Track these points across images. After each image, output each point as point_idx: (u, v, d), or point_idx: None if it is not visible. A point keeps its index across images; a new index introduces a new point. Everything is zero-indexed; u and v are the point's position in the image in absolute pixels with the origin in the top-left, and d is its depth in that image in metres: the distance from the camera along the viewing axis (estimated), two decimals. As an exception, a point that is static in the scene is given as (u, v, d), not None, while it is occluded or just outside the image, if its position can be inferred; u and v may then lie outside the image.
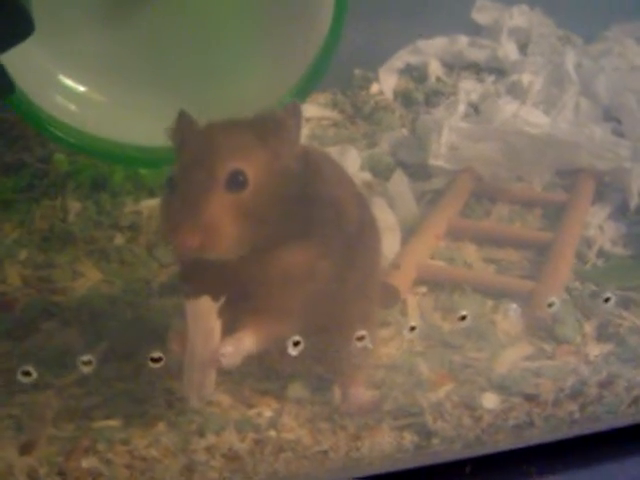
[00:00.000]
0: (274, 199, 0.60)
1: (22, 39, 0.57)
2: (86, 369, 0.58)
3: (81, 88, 0.96)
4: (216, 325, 0.59)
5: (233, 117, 0.64)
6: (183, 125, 0.63)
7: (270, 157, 0.61)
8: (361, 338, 0.62)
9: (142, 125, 0.96)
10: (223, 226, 0.58)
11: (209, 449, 0.62)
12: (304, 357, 0.61)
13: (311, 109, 1.13)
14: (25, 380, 0.57)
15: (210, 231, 0.58)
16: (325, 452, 0.63)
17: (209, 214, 0.58)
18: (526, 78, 1.15)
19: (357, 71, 1.23)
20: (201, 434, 0.64)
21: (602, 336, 0.77)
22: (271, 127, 0.61)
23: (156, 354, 0.58)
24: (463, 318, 0.65)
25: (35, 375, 0.57)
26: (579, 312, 0.79)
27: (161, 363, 0.59)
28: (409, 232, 0.90)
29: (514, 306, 0.72)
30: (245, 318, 0.61)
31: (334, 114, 1.16)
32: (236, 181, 0.59)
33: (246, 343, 0.60)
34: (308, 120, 1.14)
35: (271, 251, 0.61)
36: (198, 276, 0.62)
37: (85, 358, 0.57)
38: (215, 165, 0.59)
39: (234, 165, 0.59)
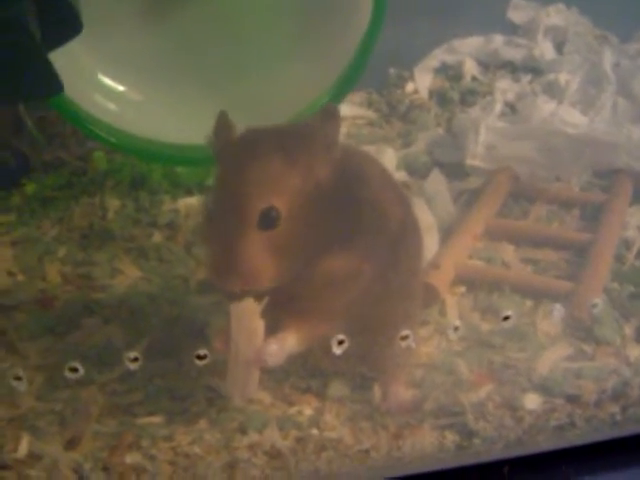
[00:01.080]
0: (310, 220, 0.59)
1: (71, 38, 0.58)
2: (132, 366, 0.59)
3: (120, 87, 0.97)
4: (259, 325, 0.60)
5: (268, 125, 0.63)
6: (221, 131, 0.63)
7: (303, 178, 0.60)
8: (405, 337, 0.62)
9: (179, 124, 0.97)
10: (260, 264, 0.58)
11: (251, 447, 0.63)
12: (348, 356, 0.61)
13: (346, 108, 1.13)
14: (72, 376, 0.58)
15: (248, 273, 0.58)
16: (366, 451, 0.63)
17: (244, 258, 0.58)
18: (563, 77, 1.15)
19: (392, 70, 1.23)
20: (243, 432, 0.64)
21: (642, 337, 0.76)
22: (306, 138, 0.61)
23: (202, 351, 0.58)
24: (506, 319, 0.65)
25: (82, 371, 0.58)
26: (618, 313, 0.79)
27: (206, 360, 0.59)
28: (446, 232, 0.90)
29: (558, 306, 0.71)
30: (288, 318, 0.62)
31: (369, 113, 1.16)
32: (269, 219, 0.58)
33: (289, 343, 0.61)
34: (343, 119, 1.13)
35: (315, 257, 0.61)
36: None
37: (132, 355, 0.58)
38: (246, 204, 0.58)
39: (265, 203, 0.58)
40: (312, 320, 0.61)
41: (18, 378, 0.59)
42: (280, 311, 0.61)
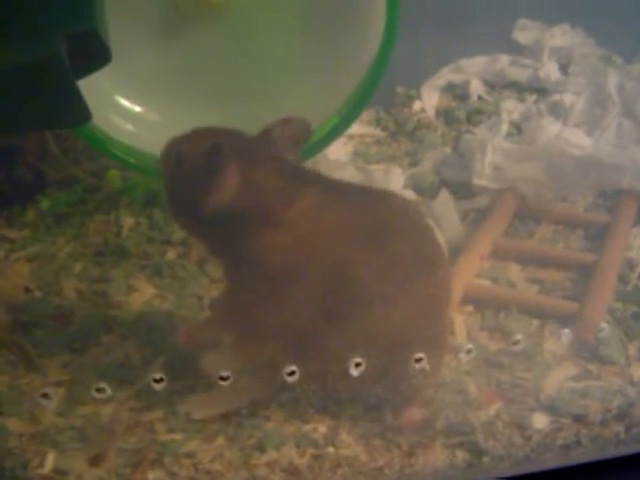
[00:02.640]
0: None
1: (99, 68, 0.61)
2: (157, 386, 0.61)
3: (137, 108, 0.99)
4: None
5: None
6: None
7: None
8: (419, 360, 0.64)
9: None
10: None
11: (270, 464, 0.64)
12: (364, 378, 0.63)
13: (354, 126, 1.14)
14: (99, 396, 0.60)
15: None
16: (380, 468, 0.65)
17: None
18: (568, 98, 1.17)
19: (399, 89, 1.24)
20: (262, 449, 0.66)
21: (646, 358, 0.78)
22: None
23: (225, 373, 0.60)
24: (516, 343, 0.67)
25: (109, 391, 0.60)
26: (622, 333, 0.81)
27: (229, 382, 0.61)
28: (454, 251, 0.91)
29: (566, 331, 0.73)
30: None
31: (377, 131, 1.18)
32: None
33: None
34: (351, 137, 1.16)
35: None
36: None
37: (157, 376, 0.60)
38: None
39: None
40: (268, 329, 0.66)
41: (45, 395, 0.61)
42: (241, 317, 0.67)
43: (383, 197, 0.72)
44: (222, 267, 0.72)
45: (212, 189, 0.66)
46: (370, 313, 0.65)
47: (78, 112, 0.58)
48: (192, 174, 0.67)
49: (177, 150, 0.68)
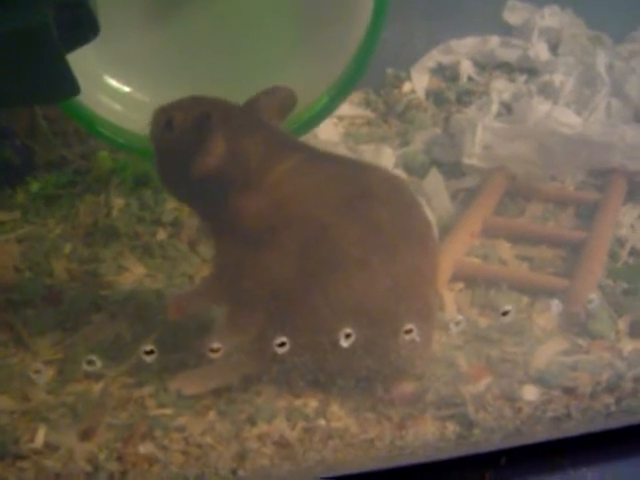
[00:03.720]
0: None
1: (88, 41, 0.61)
2: (148, 358, 0.61)
3: (126, 88, 0.99)
4: None
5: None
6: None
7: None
8: (409, 331, 0.64)
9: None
10: None
11: (260, 437, 0.65)
12: (354, 350, 0.64)
13: (344, 108, 1.14)
14: (89, 368, 0.60)
15: None
16: (371, 440, 0.65)
17: None
18: (557, 78, 1.17)
19: (389, 70, 1.24)
20: (252, 422, 0.66)
21: (635, 332, 0.78)
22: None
23: (216, 345, 0.60)
24: (505, 314, 0.67)
25: (99, 364, 0.60)
26: (612, 309, 0.81)
27: (220, 353, 0.61)
28: (444, 230, 0.92)
29: (556, 302, 0.74)
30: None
31: (367, 113, 1.18)
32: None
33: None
34: (341, 118, 1.16)
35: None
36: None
37: (147, 347, 0.60)
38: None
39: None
40: (256, 302, 0.67)
41: (37, 371, 0.61)
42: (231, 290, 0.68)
43: (367, 168, 0.74)
44: (211, 236, 0.72)
45: (199, 155, 0.67)
46: (351, 280, 0.66)
47: (66, 84, 0.58)
48: (180, 140, 0.69)
49: (166, 117, 0.69)
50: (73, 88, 0.58)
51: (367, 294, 0.66)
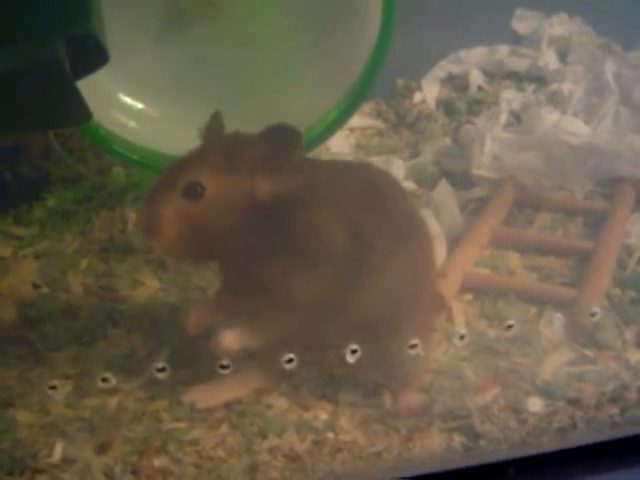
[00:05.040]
0: (231, 216, 0.66)
1: (97, 68, 0.62)
2: (160, 375, 0.62)
3: (139, 105, 1.00)
4: None
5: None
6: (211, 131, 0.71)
7: (237, 179, 0.66)
8: (414, 346, 0.66)
9: (195, 139, 1.00)
10: (170, 225, 0.66)
11: (271, 450, 0.66)
12: (361, 364, 0.65)
13: (355, 119, 1.15)
14: (104, 386, 0.62)
15: (157, 226, 0.66)
16: (379, 453, 0.66)
17: (160, 211, 0.66)
18: (566, 87, 1.18)
19: (400, 81, 1.26)
20: (263, 436, 0.68)
21: (642, 342, 0.79)
22: (244, 152, 0.67)
23: (225, 362, 0.62)
24: (510, 327, 0.68)
25: (114, 381, 0.61)
26: (619, 318, 0.82)
27: (229, 370, 0.63)
28: (454, 241, 0.93)
29: (558, 315, 0.75)
30: (246, 315, 0.69)
31: (378, 123, 1.19)
32: (191, 191, 0.66)
33: (242, 337, 0.67)
34: (353, 130, 1.17)
35: (252, 262, 0.67)
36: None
37: (159, 365, 0.62)
38: (178, 175, 0.67)
39: (193, 177, 0.66)
40: (264, 319, 0.67)
41: (53, 387, 0.63)
42: (238, 307, 0.68)
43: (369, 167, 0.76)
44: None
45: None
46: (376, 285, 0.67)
47: (78, 112, 0.60)
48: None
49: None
50: (85, 114, 0.60)
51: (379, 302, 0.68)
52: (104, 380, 0.62)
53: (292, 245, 0.67)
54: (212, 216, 0.66)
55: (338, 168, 0.75)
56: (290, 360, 0.63)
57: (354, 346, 0.64)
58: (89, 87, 0.93)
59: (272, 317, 0.67)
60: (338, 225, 0.68)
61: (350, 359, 0.64)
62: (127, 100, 1.00)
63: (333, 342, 0.67)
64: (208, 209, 0.66)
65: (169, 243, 0.67)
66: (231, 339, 0.67)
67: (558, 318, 0.74)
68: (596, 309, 0.73)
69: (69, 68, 0.57)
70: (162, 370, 0.63)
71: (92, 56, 0.60)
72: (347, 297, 0.67)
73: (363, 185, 0.71)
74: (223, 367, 0.63)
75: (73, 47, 0.58)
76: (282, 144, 0.66)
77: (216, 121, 0.71)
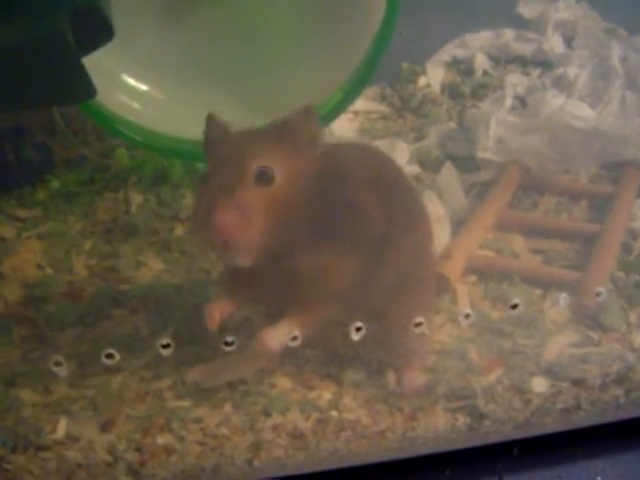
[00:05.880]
0: (299, 197, 0.64)
1: (103, 44, 0.62)
2: (165, 352, 0.62)
3: (143, 87, 1.00)
4: None
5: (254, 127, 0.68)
6: (212, 129, 0.68)
7: (291, 158, 0.64)
8: (419, 324, 0.66)
9: (199, 121, 1.00)
10: (250, 217, 0.62)
11: (275, 428, 0.66)
12: (365, 342, 0.65)
13: (360, 103, 1.15)
14: (109, 362, 0.62)
15: (241, 217, 0.61)
16: (383, 432, 0.66)
17: (241, 201, 0.62)
18: (572, 71, 1.17)
19: (405, 65, 1.25)
20: (267, 414, 0.68)
21: (647, 324, 0.79)
22: (285, 132, 0.65)
23: (229, 338, 0.62)
24: (515, 307, 0.68)
25: (118, 357, 0.61)
26: (624, 301, 0.82)
27: (234, 346, 0.63)
28: (458, 223, 0.93)
29: (564, 295, 0.75)
30: (285, 306, 0.66)
31: (383, 107, 1.19)
32: (264, 176, 0.63)
33: (285, 330, 0.65)
34: (357, 114, 1.17)
35: (298, 248, 0.65)
36: (240, 277, 0.66)
37: (164, 341, 0.62)
38: (245, 162, 0.63)
39: (261, 162, 0.63)
40: (307, 306, 0.66)
41: (58, 364, 0.63)
42: (277, 299, 0.66)
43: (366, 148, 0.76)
44: None
45: None
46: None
47: (83, 87, 0.59)
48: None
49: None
50: (89, 91, 0.60)
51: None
52: (108, 356, 0.61)
53: (339, 227, 0.66)
54: (284, 201, 0.63)
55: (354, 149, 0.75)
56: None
57: (359, 324, 0.64)
58: (93, 68, 0.92)
59: (318, 305, 0.66)
60: (373, 203, 0.67)
61: (355, 337, 0.64)
62: (131, 81, 1.00)
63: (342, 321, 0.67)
64: (280, 194, 0.63)
65: (252, 237, 0.62)
66: (276, 336, 0.65)
67: (563, 297, 0.73)
68: (601, 289, 0.72)
69: (73, 42, 0.57)
70: (167, 346, 0.63)
71: (97, 31, 0.60)
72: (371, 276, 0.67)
73: (377, 167, 0.71)
74: (227, 344, 0.62)
75: (78, 21, 0.57)
76: (309, 122, 0.65)
77: (213, 122, 0.69)
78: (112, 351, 0.63)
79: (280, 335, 0.65)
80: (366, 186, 0.68)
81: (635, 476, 0.70)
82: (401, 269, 0.68)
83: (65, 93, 0.61)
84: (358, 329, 0.64)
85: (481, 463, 0.70)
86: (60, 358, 0.63)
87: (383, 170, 0.73)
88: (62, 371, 0.63)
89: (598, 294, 0.73)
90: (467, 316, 0.68)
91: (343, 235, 0.66)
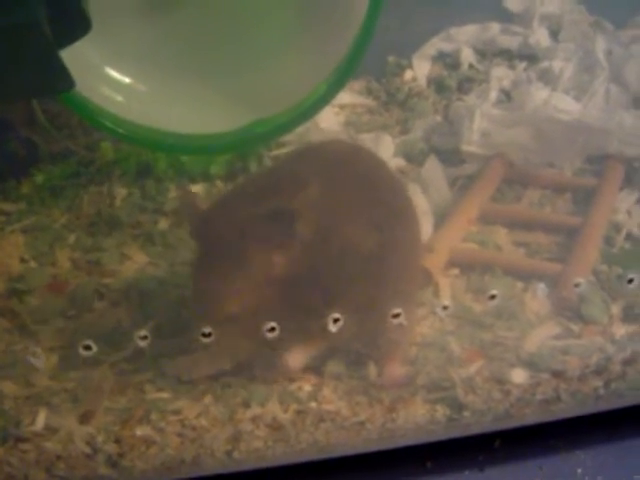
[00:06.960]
0: None
1: (80, 37, 0.62)
2: (142, 343, 0.62)
3: (126, 80, 1.00)
4: None
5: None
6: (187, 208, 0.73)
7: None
8: (397, 315, 0.66)
9: (183, 114, 1.00)
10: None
11: (254, 419, 0.66)
12: (343, 333, 0.65)
13: (346, 96, 1.16)
14: (86, 354, 0.61)
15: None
16: (362, 423, 0.66)
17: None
18: (557, 65, 1.17)
19: (391, 58, 1.25)
20: (246, 405, 0.68)
21: (628, 317, 0.79)
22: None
23: (207, 329, 0.62)
24: (492, 297, 0.68)
25: (95, 349, 0.61)
26: (606, 294, 0.82)
27: (211, 338, 0.63)
28: (442, 216, 0.93)
29: (542, 285, 0.75)
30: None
31: (368, 101, 1.19)
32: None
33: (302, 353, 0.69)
34: (343, 107, 1.17)
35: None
36: None
37: (141, 333, 0.62)
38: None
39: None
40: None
41: (35, 355, 0.63)
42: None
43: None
44: None
45: None
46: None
47: (59, 78, 0.59)
48: None
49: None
50: (67, 82, 0.59)
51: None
52: (86, 348, 0.61)
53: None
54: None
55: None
56: (272, 329, 0.63)
57: (336, 315, 0.64)
58: (76, 60, 0.92)
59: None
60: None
61: (332, 328, 0.64)
62: (115, 74, 1.00)
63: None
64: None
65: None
66: (297, 357, 0.68)
67: (541, 288, 0.74)
68: (580, 280, 0.73)
69: (50, 33, 0.57)
70: (144, 338, 0.63)
71: (73, 22, 0.60)
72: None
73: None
74: (205, 335, 0.62)
75: (53, 11, 0.57)
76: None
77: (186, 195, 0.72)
78: (89, 343, 0.62)
79: (303, 358, 0.67)
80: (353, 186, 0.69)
81: (616, 467, 0.70)
82: (385, 258, 0.69)
83: (42, 85, 0.61)
84: (336, 320, 0.64)
85: (462, 455, 0.71)
86: (38, 350, 0.63)
87: (367, 166, 0.73)
88: (39, 362, 0.62)
89: (577, 285, 0.73)
90: (445, 308, 0.68)
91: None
